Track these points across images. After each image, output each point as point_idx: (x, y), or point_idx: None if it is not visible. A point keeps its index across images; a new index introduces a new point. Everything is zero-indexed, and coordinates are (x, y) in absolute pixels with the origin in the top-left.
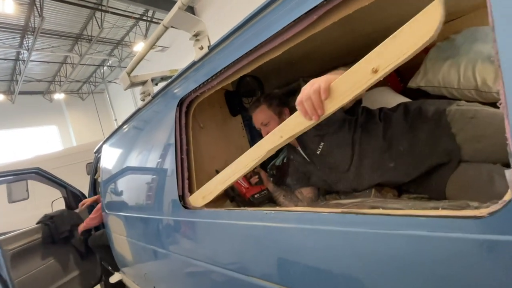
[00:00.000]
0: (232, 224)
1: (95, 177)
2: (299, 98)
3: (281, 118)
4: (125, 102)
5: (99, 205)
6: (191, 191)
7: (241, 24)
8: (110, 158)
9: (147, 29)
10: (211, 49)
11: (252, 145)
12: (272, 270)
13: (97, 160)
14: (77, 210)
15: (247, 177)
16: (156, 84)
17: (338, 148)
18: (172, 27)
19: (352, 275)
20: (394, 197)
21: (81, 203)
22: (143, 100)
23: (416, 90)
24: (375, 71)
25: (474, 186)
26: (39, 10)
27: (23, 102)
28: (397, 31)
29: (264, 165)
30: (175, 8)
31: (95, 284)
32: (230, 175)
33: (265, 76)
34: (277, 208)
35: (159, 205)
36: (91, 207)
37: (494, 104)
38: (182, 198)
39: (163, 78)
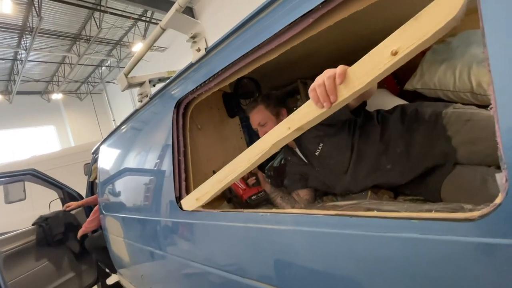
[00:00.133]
0: (229, 226)
1: (89, 180)
2: (312, 85)
3: (278, 118)
4: (124, 103)
5: (96, 208)
6: (188, 193)
7: (237, 26)
8: (107, 159)
9: (145, 30)
10: (208, 51)
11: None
12: (269, 272)
13: (93, 161)
14: (73, 212)
15: (244, 178)
16: (154, 85)
17: (337, 150)
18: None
19: (347, 276)
20: (390, 199)
21: (66, 205)
22: (141, 101)
23: (413, 92)
24: (395, 53)
25: (469, 189)
26: (37, 10)
27: (20, 102)
28: (419, 12)
29: (262, 166)
30: (172, 10)
31: (91, 286)
32: (228, 174)
33: (263, 77)
34: (273, 210)
35: (156, 206)
36: (88, 209)
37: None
38: (179, 199)
39: (160, 80)
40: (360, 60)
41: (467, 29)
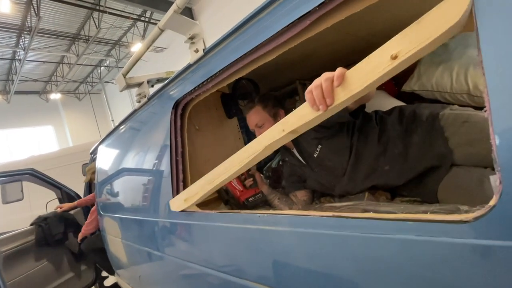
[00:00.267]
0: (226, 227)
1: (84, 181)
2: (309, 87)
3: (275, 120)
4: (123, 103)
5: (93, 209)
6: None
7: (236, 27)
8: (105, 160)
9: (144, 30)
10: (206, 52)
11: None
12: (266, 273)
13: (92, 162)
14: (72, 212)
15: (241, 179)
16: (152, 86)
17: (336, 152)
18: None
19: (344, 277)
20: (387, 200)
21: (58, 206)
22: (139, 101)
23: (410, 93)
24: (395, 57)
25: (466, 190)
26: (36, 10)
27: (19, 102)
28: (421, 17)
29: (260, 167)
30: (170, 11)
31: (89, 287)
32: (219, 175)
33: (262, 78)
34: (270, 211)
35: (154, 207)
36: (86, 210)
37: None
38: None
39: (159, 80)
40: (359, 63)
41: (465, 31)
